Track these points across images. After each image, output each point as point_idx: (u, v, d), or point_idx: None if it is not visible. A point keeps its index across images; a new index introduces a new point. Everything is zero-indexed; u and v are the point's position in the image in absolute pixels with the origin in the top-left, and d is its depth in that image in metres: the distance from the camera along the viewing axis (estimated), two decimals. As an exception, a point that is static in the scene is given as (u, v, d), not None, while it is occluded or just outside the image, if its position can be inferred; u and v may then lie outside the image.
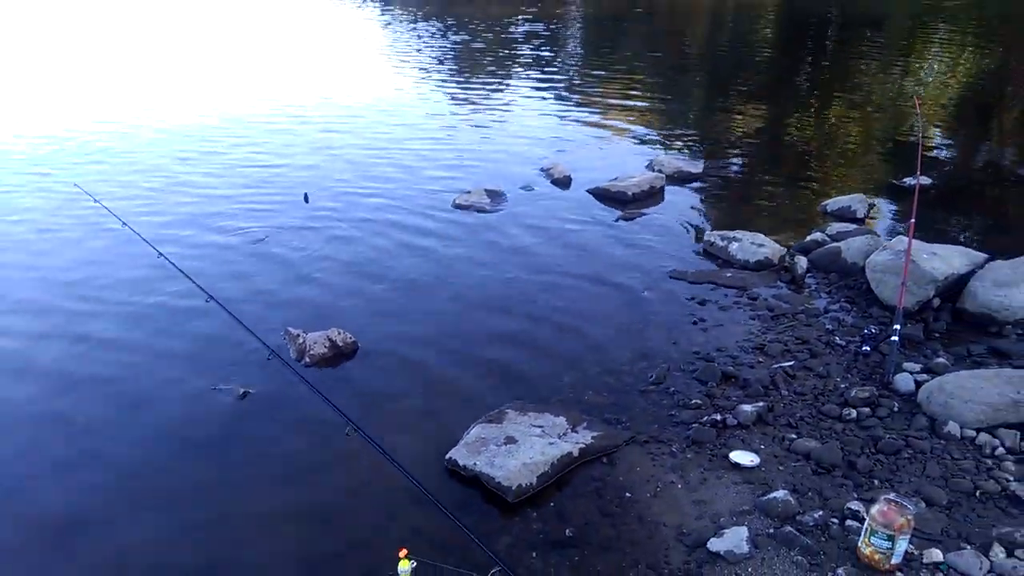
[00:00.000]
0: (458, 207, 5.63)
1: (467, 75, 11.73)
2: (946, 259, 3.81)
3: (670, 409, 3.13)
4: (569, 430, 2.99)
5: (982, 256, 3.88)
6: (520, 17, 18.81)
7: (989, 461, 2.69)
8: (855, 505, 2.45)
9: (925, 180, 5.51)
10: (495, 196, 5.83)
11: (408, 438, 2.97)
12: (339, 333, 3.75)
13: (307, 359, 3.60)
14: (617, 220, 5.32)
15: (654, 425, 3.04)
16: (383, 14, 23.13)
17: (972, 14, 15.57)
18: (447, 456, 2.84)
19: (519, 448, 2.83)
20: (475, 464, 2.77)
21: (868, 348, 3.39)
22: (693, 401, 3.16)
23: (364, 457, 2.83)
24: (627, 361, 3.52)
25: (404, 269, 4.60)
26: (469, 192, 5.84)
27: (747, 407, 3.03)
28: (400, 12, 23.56)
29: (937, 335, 3.58)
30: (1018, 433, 2.77)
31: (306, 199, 5.90)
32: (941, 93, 9.02)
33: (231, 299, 4.03)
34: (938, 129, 7.34)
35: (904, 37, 13.98)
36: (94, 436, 3.15)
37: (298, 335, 3.72)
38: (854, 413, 2.98)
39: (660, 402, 3.20)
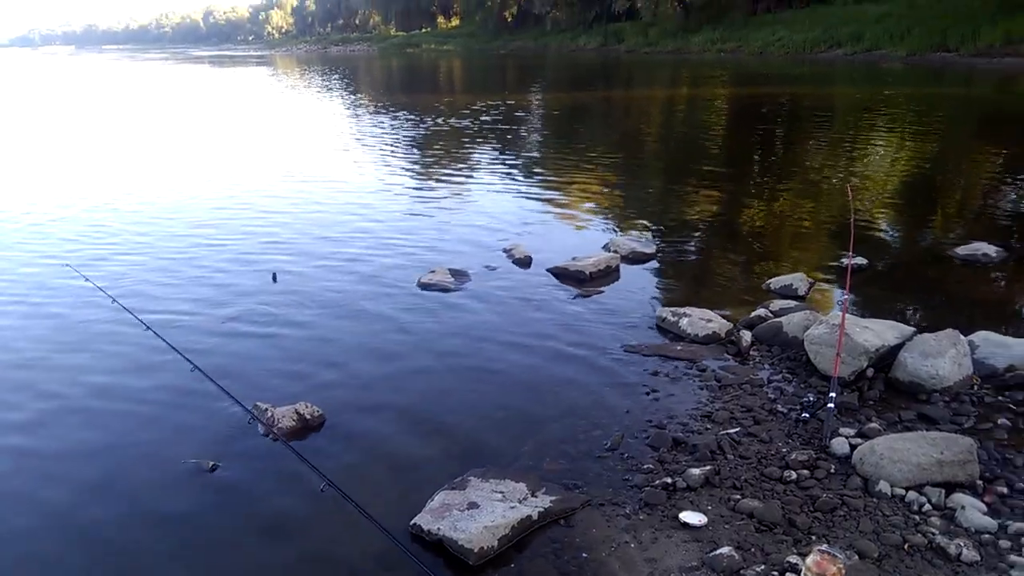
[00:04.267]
0: (423, 286, 5.85)
1: (432, 159, 12.20)
2: (878, 332, 4.11)
3: (624, 474, 3.30)
4: (529, 495, 3.14)
5: (910, 329, 4.19)
6: (484, 105, 19.59)
7: (917, 517, 2.90)
8: (794, 559, 2.63)
9: (861, 260, 5.91)
10: (459, 275, 6.07)
11: (373, 506, 3.08)
12: (307, 407, 3.88)
13: (275, 432, 3.72)
14: (575, 298, 5.58)
15: (609, 489, 3.20)
16: (350, 101, 23.86)
17: (911, 105, 16.65)
18: (411, 522, 2.95)
19: (481, 512, 2.97)
20: (439, 529, 2.89)
21: (807, 415, 3.63)
22: (645, 466, 3.34)
23: (332, 524, 2.97)
24: (584, 429, 3.70)
25: (370, 345, 4.77)
26: (434, 272, 6.07)
27: (695, 471, 3.22)
28: (366, 99, 24.34)
29: (871, 402, 3.84)
30: (942, 491, 3.00)
31: (274, 279, 6.07)
32: (879, 179, 9.63)
33: (203, 375, 4.17)
34: (873, 213, 7.85)
35: (850, 125, 14.90)
36: (64, 509, 3.21)
37: (266, 409, 3.84)
38: (794, 475, 3.18)
39: (615, 467, 3.37)
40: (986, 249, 6.00)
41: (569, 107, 20.61)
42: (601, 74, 34.97)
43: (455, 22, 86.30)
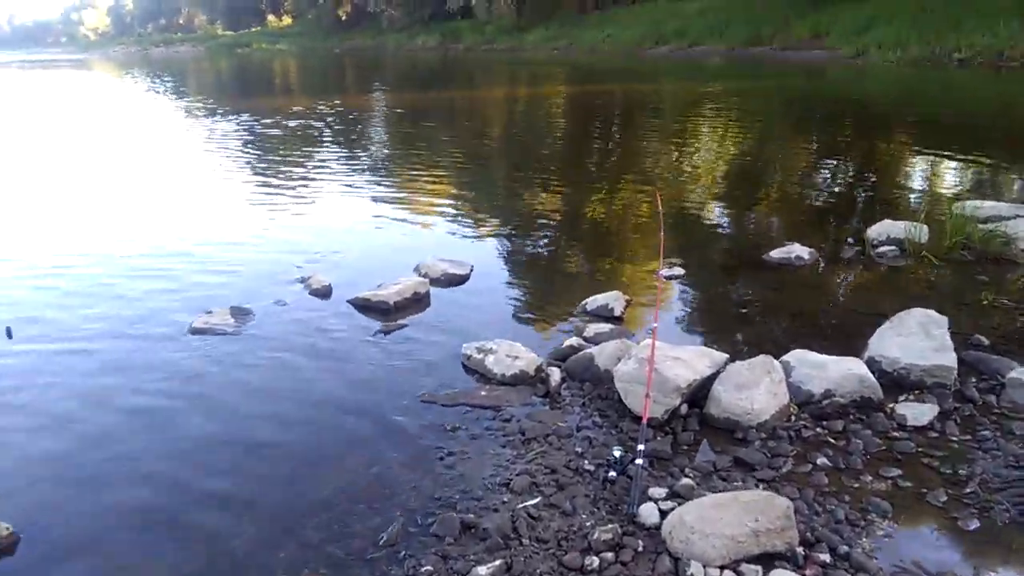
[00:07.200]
0: (195, 332, 4.96)
1: (249, 173, 11.05)
2: (689, 363, 3.71)
3: (397, 582, 2.67)
4: (269, 632, 2.44)
5: (723, 356, 3.83)
6: (320, 108, 18.43)
7: (733, 607, 2.45)
8: None
9: (678, 271, 5.62)
10: (241, 315, 5.22)
11: None
12: (-8, 526, 2.97)
13: (-62, 571, 2.79)
14: (375, 334, 4.90)
15: (376, 608, 2.56)
16: (171, 108, 21.95)
17: (732, 100, 17.18)
18: None
19: (195, 674, 2.24)
20: None
21: (615, 473, 3.14)
22: (424, 568, 2.71)
23: None
24: (358, 519, 3.03)
25: (104, 426, 3.83)
26: (211, 313, 5.19)
27: (482, 569, 2.63)
28: (189, 105, 22.47)
29: (685, 447, 3.42)
30: (760, 568, 2.57)
31: (9, 334, 4.99)
32: (703, 179, 9.60)
33: None
34: (694, 218, 7.69)
35: (679, 122, 15.11)
36: None
37: (-67, 537, 2.90)
38: (596, 562, 2.66)
39: (388, 572, 2.73)
40: (799, 251, 5.87)
41: (411, 108, 19.80)
42: (442, 73, 34.39)
43: (287, 20, 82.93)
